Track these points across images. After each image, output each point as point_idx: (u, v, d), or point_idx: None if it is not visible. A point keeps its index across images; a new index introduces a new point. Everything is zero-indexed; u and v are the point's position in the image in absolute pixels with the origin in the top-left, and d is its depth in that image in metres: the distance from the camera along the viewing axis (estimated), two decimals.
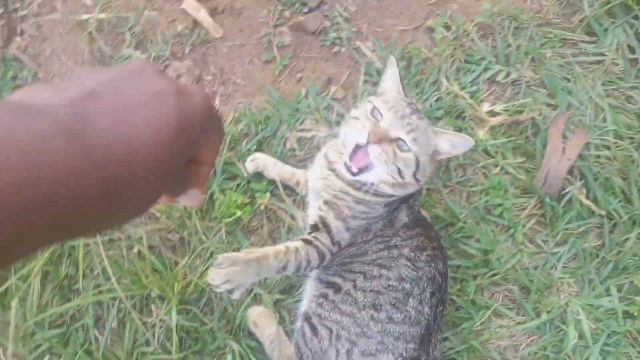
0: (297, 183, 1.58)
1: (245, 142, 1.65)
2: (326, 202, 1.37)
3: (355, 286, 1.34)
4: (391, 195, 1.33)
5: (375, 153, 1.21)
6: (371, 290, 1.32)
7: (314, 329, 1.34)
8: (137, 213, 0.44)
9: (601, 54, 1.76)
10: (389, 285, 1.33)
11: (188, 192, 0.53)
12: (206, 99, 0.47)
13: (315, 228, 1.38)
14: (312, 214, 1.43)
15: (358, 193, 1.33)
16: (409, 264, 1.35)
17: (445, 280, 1.42)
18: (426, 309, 1.33)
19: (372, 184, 1.28)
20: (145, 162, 0.40)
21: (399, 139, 1.23)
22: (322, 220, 1.36)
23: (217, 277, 1.20)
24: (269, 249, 1.29)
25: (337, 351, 1.30)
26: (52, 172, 0.33)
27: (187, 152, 0.46)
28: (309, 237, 1.36)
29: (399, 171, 1.24)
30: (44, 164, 0.33)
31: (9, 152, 0.31)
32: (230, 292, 1.25)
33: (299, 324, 1.39)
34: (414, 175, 1.27)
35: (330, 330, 1.32)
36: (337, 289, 1.35)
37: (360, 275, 1.35)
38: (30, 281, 1.36)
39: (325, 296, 1.36)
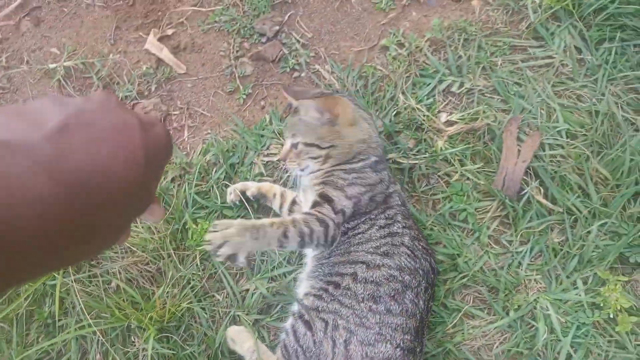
0: (274, 195, 1.67)
1: (214, 170, 1.72)
2: (321, 183, 1.53)
3: (355, 279, 1.41)
4: (360, 159, 1.55)
5: (287, 166, 1.58)
6: (372, 282, 1.40)
7: (307, 324, 1.40)
8: (114, 239, 0.47)
9: (550, 57, 1.84)
10: (390, 275, 1.40)
11: (149, 209, 0.55)
12: (165, 128, 0.51)
13: (315, 205, 1.49)
14: (308, 201, 1.54)
15: (345, 164, 1.54)
16: (409, 252, 1.45)
17: (435, 276, 1.52)
18: (421, 303, 1.42)
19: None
20: (118, 192, 0.42)
21: (292, 144, 1.55)
22: (322, 194, 1.49)
23: (214, 238, 1.27)
24: (265, 219, 1.40)
25: (334, 341, 1.35)
26: (33, 209, 0.35)
27: (155, 178, 0.49)
28: (308, 210, 1.48)
29: (314, 156, 1.53)
30: (26, 201, 0.34)
31: None
32: (234, 260, 1.30)
33: (289, 323, 1.45)
34: (323, 147, 1.53)
35: (326, 323, 1.38)
36: (337, 285, 1.42)
37: (363, 265, 1.42)
38: (14, 321, 1.43)
39: (325, 290, 1.43)
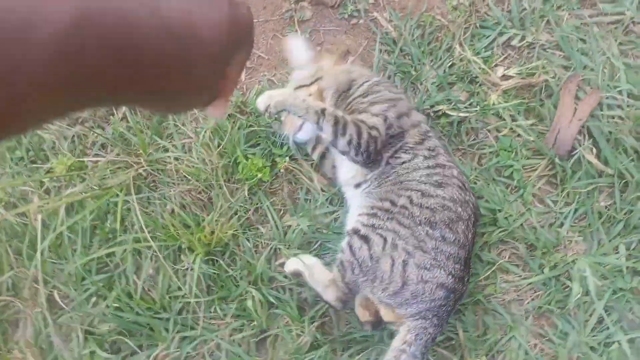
0: None
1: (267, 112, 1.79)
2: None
3: (411, 202, 1.46)
4: (362, 82, 1.63)
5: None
6: (427, 207, 1.44)
7: (364, 238, 1.44)
8: (192, 101, 0.51)
9: (620, 14, 1.74)
10: (444, 204, 1.45)
11: (215, 103, 0.59)
12: (249, 11, 0.54)
13: None
14: None
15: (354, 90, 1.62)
16: (460, 184, 1.49)
17: (479, 214, 1.54)
18: (470, 235, 1.46)
19: None
20: (204, 48, 0.44)
21: None
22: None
23: (261, 98, 1.59)
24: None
25: (393, 260, 1.40)
26: (141, 37, 0.39)
27: (235, 51, 0.51)
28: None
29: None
30: (134, 30, 0.38)
31: (113, 17, 0.36)
32: (277, 118, 1.66)
33: (344, 242, 1.48)
34: (309, 84, 1.65)
35: (385, 239, 1.42)
36: (393, 203, 1.47)
37: (418, 192, 1.47)
38: (79, 233, 1.60)
39: (380, 208, 1.48)
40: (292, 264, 1.58)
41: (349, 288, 1.46)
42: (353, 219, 1.55)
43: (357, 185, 1.58)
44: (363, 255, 1.42)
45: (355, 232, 1.46)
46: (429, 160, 1.51)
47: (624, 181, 1.60)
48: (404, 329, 1.43)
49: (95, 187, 1.64)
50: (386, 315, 1.46)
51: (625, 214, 1.59)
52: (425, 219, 1.42)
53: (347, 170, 1.60)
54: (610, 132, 1.62)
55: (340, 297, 1.48)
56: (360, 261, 1.43)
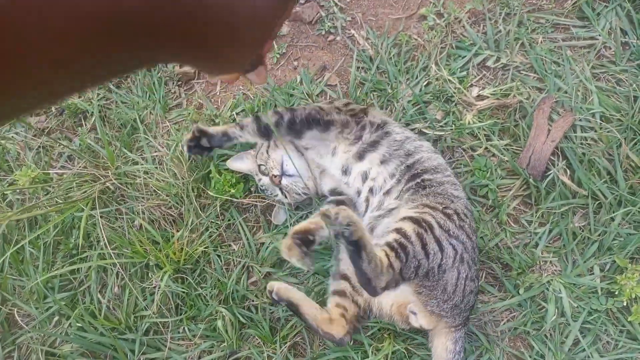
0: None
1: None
2: None
3: (465, 207, 1.45)
4: None
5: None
6: (469, 211, 1.47)
7: (438, 243, 1.30)
8: (238, 58, 0.47)
9: (593, 38, 1.78)
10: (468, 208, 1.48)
11: (257, 69, 0.55)
12: None
13: None
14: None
15: None
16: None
17: None
18: None
19: None
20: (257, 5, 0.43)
21: None
22: None
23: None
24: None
25: (459, 274, 1.33)
26: None
27: (282, 10, 0.48)
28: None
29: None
30: None
31: None
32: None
33: (409, 228, 1.30)
34: None
35: (456, 251, 1.33)
36: (448, 205, 1.41)
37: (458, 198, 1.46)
38: (42, 249, 1.53)
39: (456, 212, 1.39)
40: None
41: (396, 279, 1.25)
42: (404, 212, 1.39)
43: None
44: (436, 261, 1.29)
45: (429, 227, 1.32)
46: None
47: (597, 202, 1.61)
48: (444, 339, 1.39)
49: (59, 201, 1.57)
50: (428, 323, 1.37)
51: (599, 235, 1.59)
52: (470, 229, 1.40)
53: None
54: (583, 154, 1.63)
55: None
56: (430, 266, 1.28)
